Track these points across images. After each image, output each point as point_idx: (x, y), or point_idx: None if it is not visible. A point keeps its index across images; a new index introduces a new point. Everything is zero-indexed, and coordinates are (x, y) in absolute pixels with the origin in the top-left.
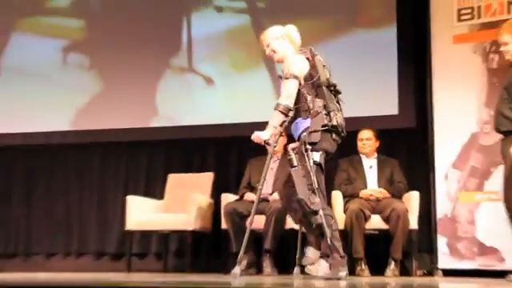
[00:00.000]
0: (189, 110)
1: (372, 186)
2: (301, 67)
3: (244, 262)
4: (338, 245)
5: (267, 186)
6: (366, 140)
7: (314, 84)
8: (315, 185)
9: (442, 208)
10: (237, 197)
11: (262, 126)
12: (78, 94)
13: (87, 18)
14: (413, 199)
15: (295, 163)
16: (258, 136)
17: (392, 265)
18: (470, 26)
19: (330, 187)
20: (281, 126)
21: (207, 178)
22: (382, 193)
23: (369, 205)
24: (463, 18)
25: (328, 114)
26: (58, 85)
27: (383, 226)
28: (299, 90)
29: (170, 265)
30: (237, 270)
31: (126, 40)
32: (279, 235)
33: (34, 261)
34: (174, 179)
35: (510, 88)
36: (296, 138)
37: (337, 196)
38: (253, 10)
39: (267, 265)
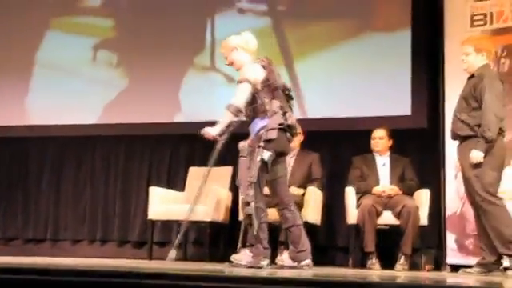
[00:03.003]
0: (210, 107)
1: (384, 183)
2: (255, 74)
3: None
4: (263, 236)
5: None
6: (379, 139)
7: (271, 87)
8: (254, 179)
9: (452, 206)
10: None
11: None
12: (105, 89)
13: (116, 18)
14: (423, 196)
15: (245, 154)
16: (207, 131)
17: (402, 259)
18: (482, 31)
19: (343, 184)
20: (229, 125)
21: (226, 172)
22: (394, 190)
23: (381, 201)
24: (476, 23)
25: (284, 113)
26: (88, 81)
27: (394, 221)
28: (257, 93)
29: (190, 254)
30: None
31: (152, 39)
32: None
33: (60, 246)
34: (194, 172)
35: (468, 98)
36: (253, 136)
37: (350, 192)
38: (273, 13)
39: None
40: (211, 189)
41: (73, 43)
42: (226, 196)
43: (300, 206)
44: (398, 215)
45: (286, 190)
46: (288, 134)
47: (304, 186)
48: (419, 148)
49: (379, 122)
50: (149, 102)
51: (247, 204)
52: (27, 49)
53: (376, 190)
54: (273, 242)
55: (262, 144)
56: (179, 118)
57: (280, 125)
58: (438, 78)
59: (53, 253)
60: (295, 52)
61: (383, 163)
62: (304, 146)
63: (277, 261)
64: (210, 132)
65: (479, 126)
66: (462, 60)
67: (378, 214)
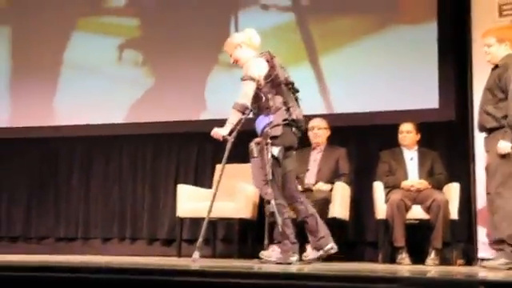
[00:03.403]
0: None
1: (413, 178)
2: (259, 70)
3: None
4: (289, 232)
5: (310, 176)
6: (407, 133)
7: (274, 83)
8: (269, 176)
9: (482, 199)
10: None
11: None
12: (132, 88)
13: (141, 18)
14: (453, 190)
15: (255, 154)
16: (216, 132)
17: (432, 254)
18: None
19: (371, 178)
20: (238, 123)
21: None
22: (423, 184)
23: (410, 195)
24: (505, 13)
25: (288, 109)
26: (114, 80)
27: (424, 216)
28: (259, 89)
29: (218, 251)
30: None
31: (177, 37)
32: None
33: (91, 244)
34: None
35: (493, 89)
36: (259, 134)
37: (378, 187)
38: (297, 8)
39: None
40: (239, 186)
41: (99, 43)
42: (253, 193)
43: (328, 201)
44: (427, 209)
45: (295, 184)
46: (294, 129)
47: (331, 181)
48: (447, 141)
49: (406, 115)
50: (175, 100)
51: (268, 202)
52: (54, 50)
53: (405, 184)
54: (301, 237)
55: (269, 141)
56: (205, 116)
57: (284, 120)
58: (466, 70)
59: (83, 251)
60: (320, 47)
61: (411, 157)
62: (331, 141)
63: (303, 258)
64: (220, 132)
65: (505, 117)
66: (485, 52)
67: (407, 209)
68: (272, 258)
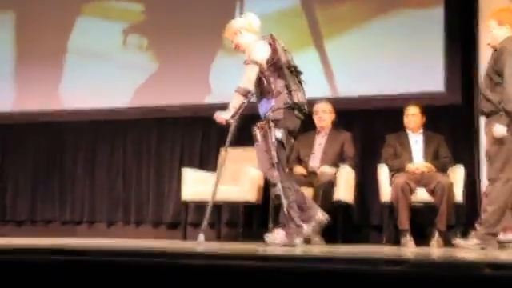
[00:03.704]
0: None
1: (418, 161)
2: (262, 53)
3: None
4: (295, 215)
5: (315, 159)
6: (412, 116)
7: (276, 66)
8: (275, 159)
9: (487, 183)
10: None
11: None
12: (136, 73)
13: (145, 2)
14: (458, 173)
15: (258, 138)
16: (219, 115)
17: (436, 236)
18: None
19: (376, 162)
20: (240, 107)
21: None
22: (428, 167)
23: (414, 178)
24: None
25: (289, 92)
26: (119, 65)
27: (428, 198)
28: (262, 73)
29: (223, 234)
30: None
31: (182, 22)
32: (327, 207)
33: (96, 228)
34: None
35: (491, 73)
36: (262, 117)
37: (383, 170)
38: None
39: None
40: (244, 169)
41: (103, 28)
42: (258, 176)
43: (332, 184)
44: (431, 192)
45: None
46: (296, 112)
47: (336, 164)
48: (453, 125)
49: (413, 99)
50: (179, 84)
51: (274, 185)
52: (59, 35)
53: (410, 167)
54: None
55: (272, 124)
56: (210, 100)
57: (285, 104)
58: (472, 54)
59: (89, 234)
60: (325, 31)
61: (416, 140)
62: (336, 124)
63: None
64: (222, 116)
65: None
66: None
67: (412, 191)
68: (277, 240)
